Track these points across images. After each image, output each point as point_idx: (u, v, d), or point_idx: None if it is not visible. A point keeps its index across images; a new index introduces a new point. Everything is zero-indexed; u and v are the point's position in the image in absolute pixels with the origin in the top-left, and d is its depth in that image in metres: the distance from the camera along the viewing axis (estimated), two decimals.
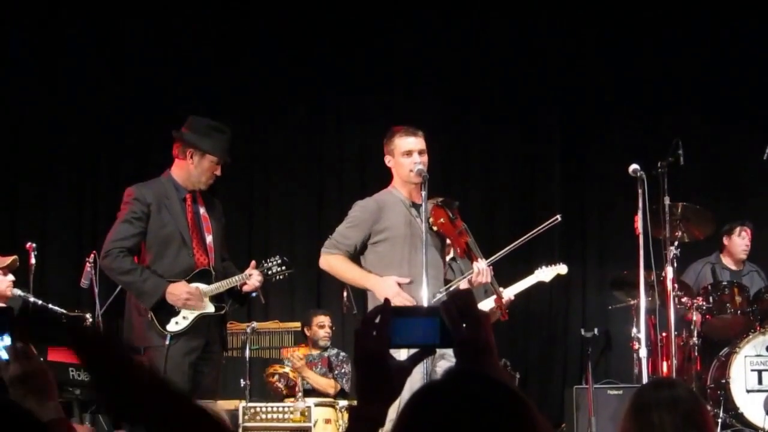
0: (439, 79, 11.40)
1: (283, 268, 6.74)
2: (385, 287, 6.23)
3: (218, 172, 6.62)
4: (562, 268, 8.44)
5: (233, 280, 6.58)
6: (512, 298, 7.65)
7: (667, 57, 11.10)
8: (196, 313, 6.46)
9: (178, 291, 6.38)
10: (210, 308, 6.51)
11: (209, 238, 6.63)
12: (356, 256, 6.52)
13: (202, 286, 6.49)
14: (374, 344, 2.05)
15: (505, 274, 7.05)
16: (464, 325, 2.05)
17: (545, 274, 8.36)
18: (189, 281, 6.47)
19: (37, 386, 2.80)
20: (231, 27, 11.23)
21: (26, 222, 10.80)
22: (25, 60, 10.91)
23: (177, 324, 6.41)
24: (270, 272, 6.71)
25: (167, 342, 6.34)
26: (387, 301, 2.13)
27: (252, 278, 6.60)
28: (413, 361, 2.09)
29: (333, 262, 6.52)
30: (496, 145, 11.44)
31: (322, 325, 9.83)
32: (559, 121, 11.40)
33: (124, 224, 6.51)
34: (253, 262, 6.68)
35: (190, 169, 6.59)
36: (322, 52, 11.26)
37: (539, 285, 8.58)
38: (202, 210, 6.67)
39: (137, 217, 6.50)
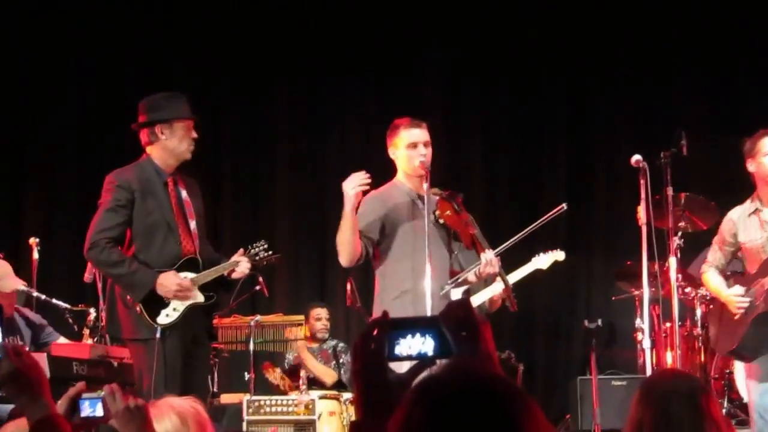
0: (442, 73, 11.40)
1: (270, 252, 6.61)
2: (345, 182, 6.16)
3: (194, 133, 6.43)
4: (559, 255, 8.39)
5: (221, 268, 6.42)
6: (510, 286, 7.64)
7: (673, 47, 11.09)
8: (186, 303, 6.28)
9: (168, 282, 6.19)
10: (200, 298, 6.33)
11: (193, 224, 6.43)
12: (374, 246, 6.42)
13: (191, 275, 6.32)
14: (372, 358, 2.04)
15: (507, 264, 7.03)
16: (463, 334, 2.04)
17: (543, 261, 8.31)
18: (177, 270, 6.29)
19: (28, 383, 2.81)
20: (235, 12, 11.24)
21: (30, 217, 10.82)
22: (30, 55, 10.92)
23: (167, 316, 6.22)
24: (257, 257, 6.57)
25: (158, 335, 6.15)
26: (385, 313, 2.12)
27: (240, 265, 6.45)
28: (413, 374, 2.06)
29: (336, 244, 6.37)
30: (501, 134, 11.43)
31: (318, 318, 9.86)
32: (564, 110, 11.39)
33: (108, 213, 6.29)
34: (241, 250, 6.54)
35: (167, 145, 6.39)
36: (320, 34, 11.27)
37: (542, 277, 8.57)
38: (184, 193, 6.48)
39: (121, 205, 6.28)
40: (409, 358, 2.06)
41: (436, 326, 2.06)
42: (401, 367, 2.10)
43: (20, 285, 7.54)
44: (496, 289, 7.67)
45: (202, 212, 6.64)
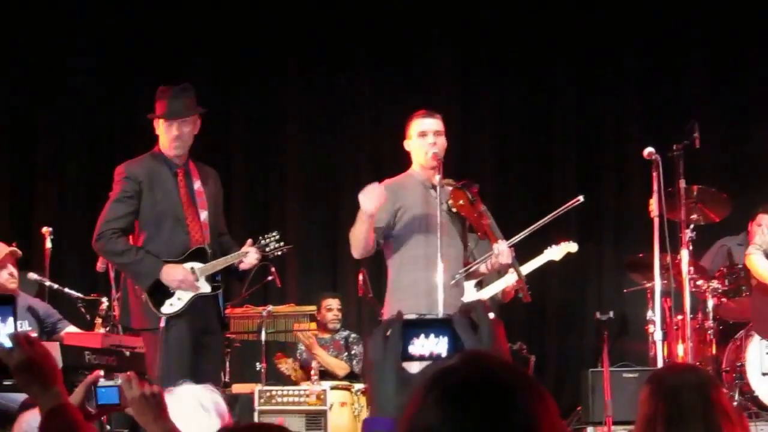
0: (452, 64, 11.40)
1: (281, 243, 6.62)
2: (362, 196, 6.13)
3: (175, 132, 6.45)
4: (572, 246, 8.35)
5: (229, 258, 6.46)
6: (524, 277, 7.63)
7: (685, 39, 11.07)
8: (191, 294, 6.34)
9: (172, 272, 6.27)
10: (206, 288, 6.39)
11: (204, 215, 6.49)
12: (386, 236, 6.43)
13: (198, 266, 6.37)
14: (385, 357, 2.04)
15: (519, 255, 7.03)
16: (476, 335, 2.05)
17: (555, 252, 8.28)
18: (184, 260, 6.36)
19: (41, 372, 2.82)
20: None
21: (42, 206, 10.84)
22: (37, 47, 10.94)
23: (172, 306, 6.31)
24: (268, 248, 6.59)
25: (162, 325, 6.24)
26: (399, 313, 2.13)
27: (249, 256, 6.47)
28: (425, 375, 2.07)
29: (350, 238, 6.39)
30: (512, 126, 11.42)
31: (330, 308, 9.86)
32: (576, 102, 11.37)
33: (116, 204, 6.40)
34: (250, 240, 6.55)
35: (161, 139, 6.52)
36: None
37: (556, 268, 8.56)
38: (197, 184, 6.54)
39: (129, 196, 6.39)
40: (422, 358, 2.07)
41: (450, 327, 2.07)
42: (412, 368, 2.10)
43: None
44: (509, 280, 7.66)
45: (219, 202, 6.69)
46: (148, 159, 6.55)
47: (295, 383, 9.15)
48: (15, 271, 7.46)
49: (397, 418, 1.75)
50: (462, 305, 2.13)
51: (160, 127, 6.51)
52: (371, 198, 6.10)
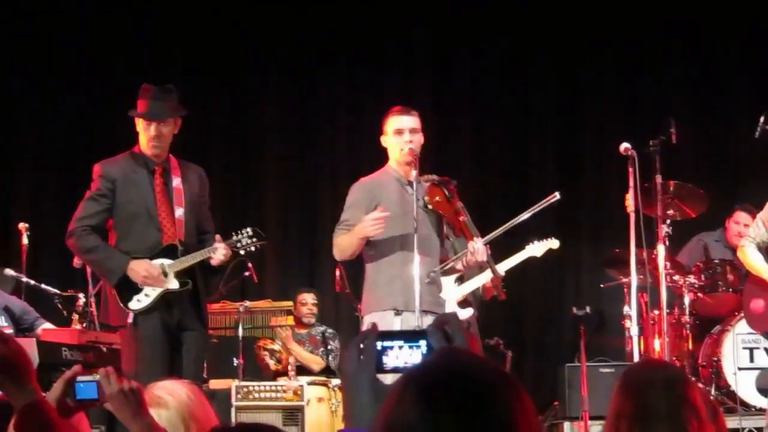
0: (430, 61, 11.41)
1: (254, 239, 6.58)
2: (361, 227, 6.25)
3: (152, 132, 6.45)
4: (553, 243, 8.34)
5: (197, 255, 6.42)
6: (503, 274, 7.61)
7: (662, 36, 11.10)
8: (159, 290, 6.34)
9: (137, 268, 6.28)
10: (174, 284, 6.37)
11: (179, 212, 6.48)
12: None
13: (168, 262, 6.37)
14: (360, 369, 2.05)
15: (496, 251, 7.05)
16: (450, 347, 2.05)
17: (536, 248, 8.27)
18: (155, 257, 6.36)
19: (15, 370, 2.82)
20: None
21: (19, 202, 10.81)
22: (19, 44, 10.90)
23: (139, 302, 6.31)
24: (239, 244, 6.55)
25: (129, 321, 6.26)
26: (374, 325, 2.14)
27: (217, 252, 6.42)
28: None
29: (336, 242, 6.46)
30: (490, 122, 11.43)
31: (304, 303, 9.88)
32: (553, 98, 11.39)
33: (89, 202, 6.46)
34: (218, 236, 6.52)
35: (141, 140, 6.54)
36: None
37: (533, 263, 8.56)
38: (175, 181, 6.54)
39: (102, 194, 6.42)
40: (396, 370, 2.07)
41: (424, 338, 2.07)
42: (387, 379, 2.10)
43: None
44: (490, 276, 7.63)
45: (203, 201, 6.69)
46: (126, 158, 6.57)
47: (274, 373, 9.16)
48: None
49: (372, 430, 1.76)
50: (436, 318, 2.13)
51: (140, 125, 6.52)
52: (376, 228, 6.21)
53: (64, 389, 3.00)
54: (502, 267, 7.59)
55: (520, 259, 8.08)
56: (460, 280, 7.42)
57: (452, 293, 7.27)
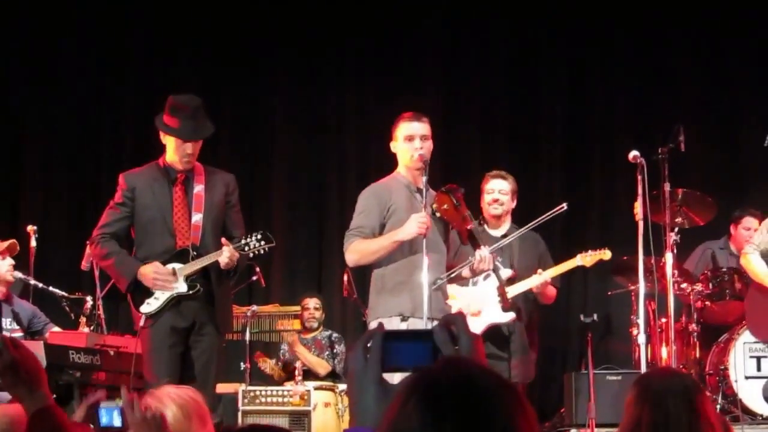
0: (440, 70, 11.41)
1: (263, 242, 6.57)
2: (408, 226, 6.22)
3: (189, 150, 6.55)
4: (605, 254, 8.13)
5: (205, 259, 6.46)
6: (548, 279, 7.56)
7: (672, 43, 11.10)
8: (168, 293, 6.43)
9: (147, 272, 6.40)
10: (182, 288, 6.44)
11: (197, 217, 6.55)
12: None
13: (178, 266, 6.45)
14: (366, 368, 2.05)
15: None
16: (456, 348, 2.06)
17: (587, 258, 8.08)
18: (166, 261, 6.46)
19: (27, 375, 2.83)
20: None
21: (27, 205, 10.82)
22: (28, 44, 10.92)
23: (149, 305, 6.42)
24: (247, 248, 6.55)
25: (141, 324, 6.40)
26: (381, 324, 2.14)
27: (222, 255, 6.44)
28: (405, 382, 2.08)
29: (354, 247, 6.42)
30: (498, 130, 11.42)
31: (306, 307, 9.89)
32: (562, 105, 11.38)
33: (110, 210, 6.65)
34: (224, 239, 6.53)
35: (170, 152, 6.61)
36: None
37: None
38: (197, 188, 6.62)
39: (121, 203, 6.59)
40: (402, 369, 2.08)
41: (430, 339, 2.08)
42: (393, 378, 2.11)
43: None
44: (534, 281, 7.54)
45: (224, 206, 6.72)
46: (149, 168, 6.72)
47: (278, 383, 9.16)
48: (13, 264, 7.64)
49: (377, 429, 1.76)
50: (443, 317, 2.14)
51: (171, 142, 6.58)
52: (420, 226, 6.17)
53: (87, 414, 3.00)
54: (548, 274, 7.54)
55: (567, 267, 7.96)
56: (510, 282, 7.34)
57: (492, 297, 7.19)
